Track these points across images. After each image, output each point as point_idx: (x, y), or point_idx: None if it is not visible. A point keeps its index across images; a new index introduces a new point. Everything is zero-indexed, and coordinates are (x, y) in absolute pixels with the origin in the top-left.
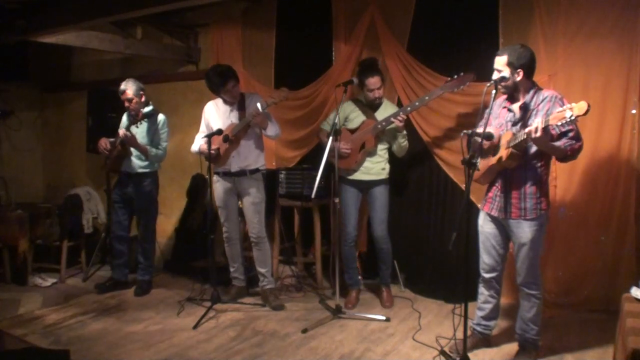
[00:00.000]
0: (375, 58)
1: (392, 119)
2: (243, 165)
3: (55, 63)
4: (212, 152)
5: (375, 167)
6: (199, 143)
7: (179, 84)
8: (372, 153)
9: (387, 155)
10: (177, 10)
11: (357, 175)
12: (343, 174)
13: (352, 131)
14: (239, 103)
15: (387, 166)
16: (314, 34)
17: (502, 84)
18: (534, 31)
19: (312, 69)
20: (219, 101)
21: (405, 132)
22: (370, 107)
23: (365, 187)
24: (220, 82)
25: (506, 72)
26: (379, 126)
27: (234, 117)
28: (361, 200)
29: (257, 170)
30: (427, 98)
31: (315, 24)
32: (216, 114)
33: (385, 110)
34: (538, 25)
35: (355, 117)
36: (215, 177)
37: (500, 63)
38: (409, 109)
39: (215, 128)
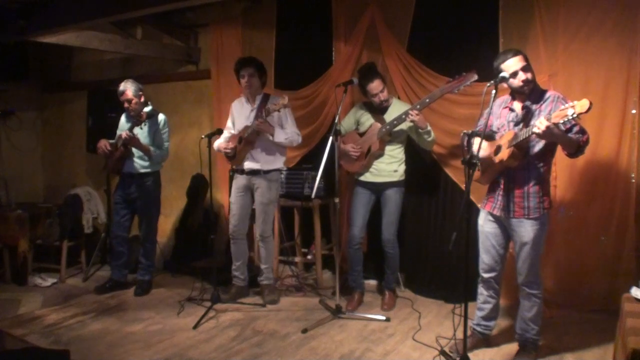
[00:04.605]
0: (372, 62)
1: (395, 122)
2: (256, 167)
3: (55, 63)
4: (229, 151)
5: (387, 169)
6: (221, 140)
7: (179, 84)
8: (380, 155)
9: (401, 156)
10: (177, 10)
11: (369, 177)
12: (355, 175)
13: (362, 134)
14: (260, 104)
15: (401, 168)
16: (314, 34)
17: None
18: (534, 31)
19: (312, 69)
20: (243, 99)
21: (428, 127)
22: (379, 109)
23: (378, 189)
24: (236, 69)
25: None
26: (384, 130)
27: (251, 119)
28: (374, 203)
29: (273, 170)
30: (427, 100)
31: (315, 24)
32: (238, 112)
33: (394, 111)
34: (538, 25)
35: (365, 120)
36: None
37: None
38: (417, 106)
39: (237, 126)
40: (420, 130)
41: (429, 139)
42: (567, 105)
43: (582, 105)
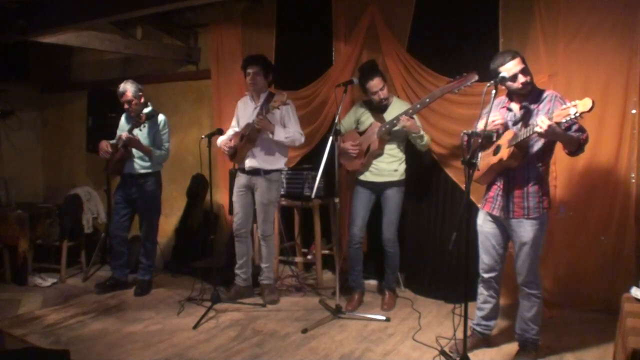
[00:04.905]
0: (373, 60)
1: (394, 122)
2: (255, 165)
3: (55, 63)
4: (228, 149)
5: (387, 168)
6: (224, 137)
7: (179, 84)
8: (379, 154)
9: (401, 155)
10: (177, 10)
11: (369, 177)
12: (355, 174)
13: (361, 133)
14: (263, 102)
15: (402, 167)
16: (314, 34)
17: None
18: (534, 31)
19: (312, 69)
20: (247, 98)
21: (421, 132)
22: (379, 108)
23: (378, 188)
24: (243, 66)
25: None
26: (383, 129)
27: (254, 117)
28: (374, 202)
29: (273, 170)
30: (427, 100)
31: (315, 24)
32: (242, 111)
33: (394, 110)
34: (538, 25)
35: (365, 119)
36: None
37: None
38: (410, 111)
39: (241, 124)
40: (413, 135)
41: (422, 143)
42: (569, 104)
43: (584, 104)
